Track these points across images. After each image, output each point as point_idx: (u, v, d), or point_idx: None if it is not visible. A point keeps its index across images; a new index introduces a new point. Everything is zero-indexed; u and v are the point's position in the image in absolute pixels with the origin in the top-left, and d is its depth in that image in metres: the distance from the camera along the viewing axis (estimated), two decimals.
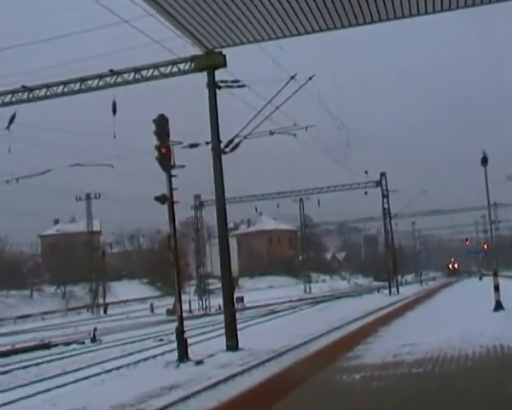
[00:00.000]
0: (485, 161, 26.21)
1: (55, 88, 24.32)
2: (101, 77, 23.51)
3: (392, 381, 11.00)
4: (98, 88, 23.76)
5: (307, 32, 19.45)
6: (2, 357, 26.20)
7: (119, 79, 23.26)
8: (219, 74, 21.08)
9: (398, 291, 59.63)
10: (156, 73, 22.81)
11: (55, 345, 29.98)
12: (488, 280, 31.90)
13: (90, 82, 23.82)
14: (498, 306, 23.25)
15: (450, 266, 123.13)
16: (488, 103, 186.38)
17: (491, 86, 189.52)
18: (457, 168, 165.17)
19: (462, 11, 19.07)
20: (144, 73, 22.96)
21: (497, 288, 23.86)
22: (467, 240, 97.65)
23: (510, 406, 8.24)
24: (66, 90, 24.20)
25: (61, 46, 31.51)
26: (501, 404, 8.40)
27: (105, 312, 68.25)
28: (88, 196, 67.78)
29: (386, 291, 60.31)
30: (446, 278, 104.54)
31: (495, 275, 24.83)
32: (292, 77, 22.39)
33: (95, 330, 31.97)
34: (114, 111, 23.63)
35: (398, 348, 15.04)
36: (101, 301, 72.36)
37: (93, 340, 30.49)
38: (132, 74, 23.10)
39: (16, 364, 23.05)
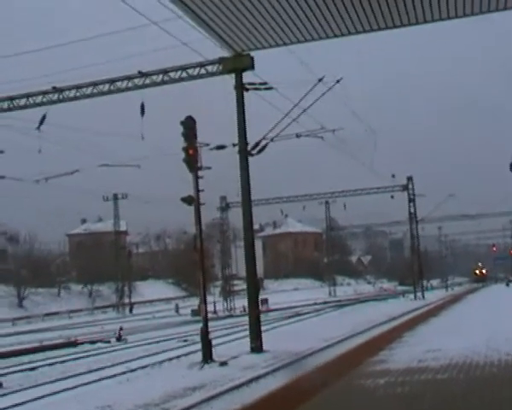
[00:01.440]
0: None
1: (84, 89, 24.64)
2: (129, 78, 23.72)
3: (417, 387, 10.94)
4: (127, 89, 23.97)
5: (336, 36, 19.42)
6: (29, 354, 26.54)
7: (148, 81, 23.44)
8: (247, 76, 21.13)
9: (423, 296, 59.22)
10: (184, 74, 22.92)
11: (82, 343, 30.28)
12: None
13: (118, 83, 24.07)
14: None
15: (478, 272, 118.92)
16: None
17: None
18: (486, 173, 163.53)
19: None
20: (172, 74, 23.09)
21: None
22: (494, 246, 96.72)
23: None
24: (95, 91, 24.49)
25: (89, 47, 31.81)
26: None
27: (130, 311, 68.72)
28: (115, 197, 68.36)
29: (412, 296, 59.95)
30: (472, 284, 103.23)
31: None
32: (320, 79, 22.34)
33: (120, 329, 32.22)
34: (143, 112, 23.79)
35: (423, 354, 14.95)
36: (126, 300, 72.89)
37: (118, 339, 30.73)
38: (161, 76, 23.28)
39: (43, 361, 23.32)
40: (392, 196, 61.71)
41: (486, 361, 13.02)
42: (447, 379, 11.47)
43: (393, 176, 58.02)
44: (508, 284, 66.23)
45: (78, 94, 24.83)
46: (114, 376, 17.48)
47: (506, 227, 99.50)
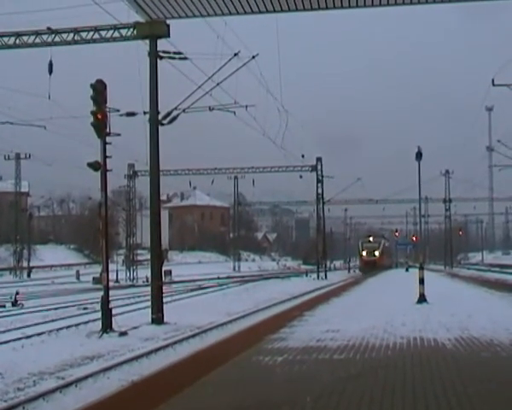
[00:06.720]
0: (419, 155, 26.74)
1: None
2: (38, 34, 22.70)
3: (314, 366, 11.05)
4: (35, 45, 22.95)
5: (253, 12, 19.26)
6: None
7: (58, 39, 22.54)
8: (162, 44, 20.71)
9: (326, 276, 60.38)
10: (97, 36, 22.21)
11: None
12: (414, 272, 32.58)
13: (25, 38, 22.95)
14: (422, 298, 23.74)
15: (365, 253, 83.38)
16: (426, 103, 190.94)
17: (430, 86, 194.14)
18: (393, 161, 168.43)
19: None
20: (84, 34, 22.33)
21: (421, 281, 24.34)
22: (396, 231, 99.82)
23: (425, 396, 8.36)
24: None
25: None
26: (415, 393, 8.53)
27: (29, 275, 66.91)
28: (18, 156, 65.82)
29: (315, 275, 61.02)
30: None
31: (421, 268, 25.35)
32: (235, 54, 22.21)
33: (17, 293, 31.32)
34: (51, 71, 22.94)
35: (322, 334, 15.15)
36: (25, 264, 70.76)
37: (14, 304, 29.80)
38: (71, 35, 22.43)
39: None
40: (300, 176, 62.64)
41: (382, 344, 13.31)
42: (343, 359, 11.65)
43: (303, 156, 58.62)
44: (407, 270, 68.40)
45: None
46: (8, 342, 16.92)
47: (409, 214, 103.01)
